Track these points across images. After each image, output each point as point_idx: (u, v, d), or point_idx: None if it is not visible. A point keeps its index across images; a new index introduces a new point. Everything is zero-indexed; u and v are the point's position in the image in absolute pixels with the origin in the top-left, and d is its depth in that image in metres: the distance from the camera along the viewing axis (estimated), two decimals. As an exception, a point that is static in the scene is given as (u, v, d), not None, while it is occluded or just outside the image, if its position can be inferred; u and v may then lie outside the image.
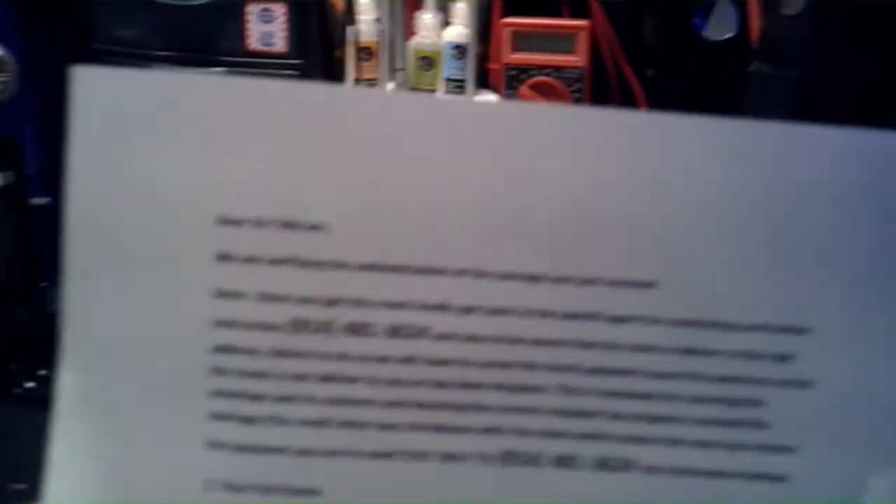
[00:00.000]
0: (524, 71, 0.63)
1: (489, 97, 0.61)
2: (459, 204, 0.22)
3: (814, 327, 0.22)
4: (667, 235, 0.22)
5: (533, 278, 0.22)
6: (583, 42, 0.63)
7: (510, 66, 0.63)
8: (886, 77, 0.63)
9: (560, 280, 0.22)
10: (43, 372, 0.53)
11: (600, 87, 0.64)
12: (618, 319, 0.22)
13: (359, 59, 0.60)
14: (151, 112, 0.21)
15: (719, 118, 0.23)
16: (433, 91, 0.58)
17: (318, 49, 0.56)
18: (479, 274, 0.22)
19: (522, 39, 0.63)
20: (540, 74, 0.63)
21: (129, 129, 0.21)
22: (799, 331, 0.22)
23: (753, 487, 0.22)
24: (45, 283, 0.62)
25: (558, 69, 0.63)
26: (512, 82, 0.63)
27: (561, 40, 0.63)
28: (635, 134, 0.22)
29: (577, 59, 0.63)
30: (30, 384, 0.53)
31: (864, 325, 0.23)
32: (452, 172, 0.22)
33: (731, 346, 0.22)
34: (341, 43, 0.60)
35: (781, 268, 0.22)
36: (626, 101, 0.63)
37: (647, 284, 0.22)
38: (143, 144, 0.21)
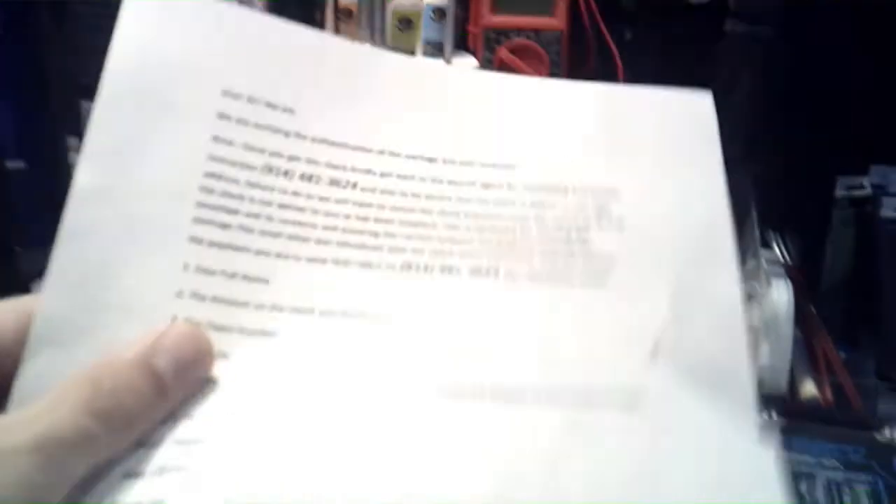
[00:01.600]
0: (503, 34, 0.63)
1: (467, 60, 0.60)
2: (384, 110, 0.32)
3: (622, 188, 0.32)
4: (523, 135, 0.33)
5: (430, 159, 0.32)
6: (561, 4, 0.63)
7: (489, 29, 0.63)
8: (858, 37, 0.64)
9: (448, 161, 0.32)
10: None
11: (579, 50, 0.65)
12: (487, 185, 0.32)
13: (337, 20, 0.60)
14: (184, 23, 0.30)
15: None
16: (411, 54, 0.58)
17: (297, 13, 0.55)
18: (393, 154, 0.32)
19: (501, 1, 0.63)
20: (519, 37, 0.63)
21: (176, 15, 0.30)
22: (612, 191, 0.32)
23: (584, 290, 0.30)
24: (18, 248, 0.62)
25: (537, 32, 0.63)
26: (491, 45, 0.63)
27: (540, 3, 0.63)
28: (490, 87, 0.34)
29: (555, 21, 0.63)
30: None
31: (655, 186, 0.33)
32: (381, 90, 0.33)
33: (567, 201, 0.32)
34: (321, 4, 0.59)
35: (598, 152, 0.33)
36: (605, 63, 0.64)
37: (509, 166, 0.33)
38: (173, 38, 0.30)
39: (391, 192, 0.31)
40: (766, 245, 0.65)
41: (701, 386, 0.29)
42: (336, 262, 0.30)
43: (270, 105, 0.31)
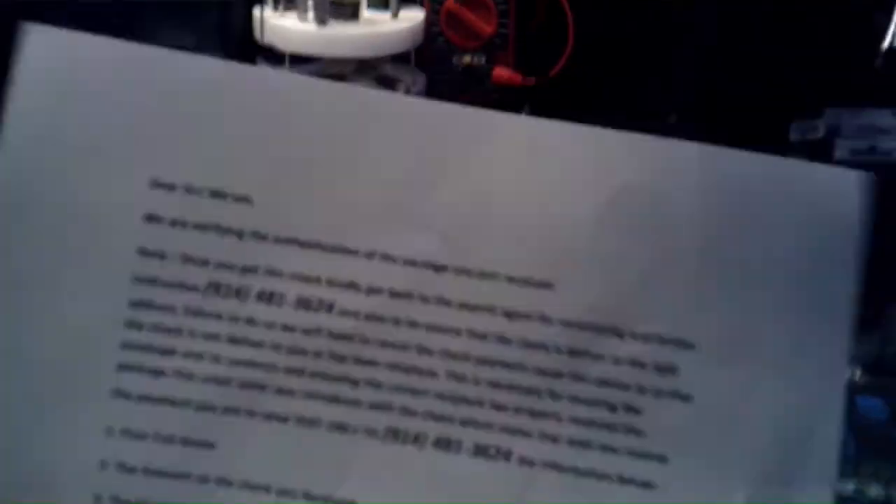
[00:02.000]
0: (450, -16, 0.61)
1: (414, 13, 0.59)
2: (373, 191, 0.24)
3: (698, 343, 0.23)
4: (564, 237, 0.24)
5: (436, 267, 0.24)
6: (509, -47, 0.61)
7: (435, -20, 0.61)
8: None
9: (460, 272, 0.24)
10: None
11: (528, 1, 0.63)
12: (512, 314, 0.24)
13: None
14: (97, 76, 0.23)
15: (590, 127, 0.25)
16: (355, 6, 0.57)
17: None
18: (387, 258, 0.24)
19: (447, -49, 0.61)
20: (466, -13, 0.61)
21: (73, 87, 0.22)
22: (684, 345, 0.23)
23: (623, 490, 0.23)
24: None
25: (485, -18, 0.62)
26: (437, -4, 0.61)
27: (486, -49, 0.61)
28: (521, 138, 0.24)
29: (503, -29, 0.61)
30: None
31: (746, 345, 0.23)
32: (367, 163, 0.24)
33: (617, 352, 0.23)
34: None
35: (671, 281, 0.23)
36: (553, 14, 0.62)
37: (544, 284, 0.24)
38: (85, 103, 0.22)
39: (380, 319, 0.24)
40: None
41: None
42: (301, 420, 0.24)
43: (217, 194, 0.23)
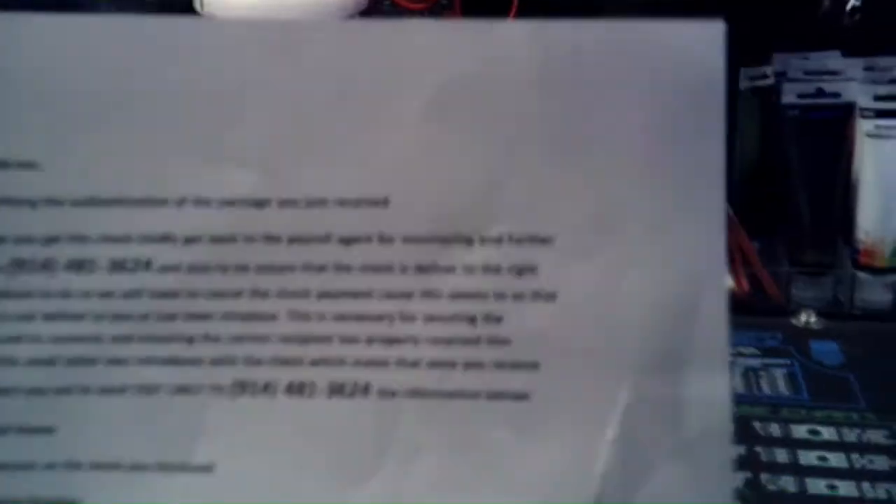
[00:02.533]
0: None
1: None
2: (174, 133, 0.22)
3: (555, 235, 0.21)
4: (392, 146, 0.21)
5: (258, 203, 0.21)
6: None
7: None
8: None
9: (285, 203, 0.21)
10: None
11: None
12: (348, 240, 0.22)
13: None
14: None
15: None
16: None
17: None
18: (201, 202, 0.21)
19: None
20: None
21: None
22: (540, 240, 0.21)
23: (496, 406, 0.21)
24: None
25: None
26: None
27: None
28: (334, 44, 0.21)
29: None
30: None
31: (609, 231, 0.21)
32: (162, 102, 0.21)
33: (469, 261, 0.21)
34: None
35: (517, 175, 0.21)
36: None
37: (378, 202, 0.21)
38: None
39: (205, 269, 0.22)
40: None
41: None
42: (140, 389, 0.22)
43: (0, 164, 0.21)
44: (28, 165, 0.21)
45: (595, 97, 0.21)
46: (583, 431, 0.21)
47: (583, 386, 0.21)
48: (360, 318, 0.22)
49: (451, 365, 0.21)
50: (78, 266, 0.22)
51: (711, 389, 0.21)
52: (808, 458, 0.41)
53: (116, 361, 0.22)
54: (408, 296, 0.22)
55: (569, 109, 0.21)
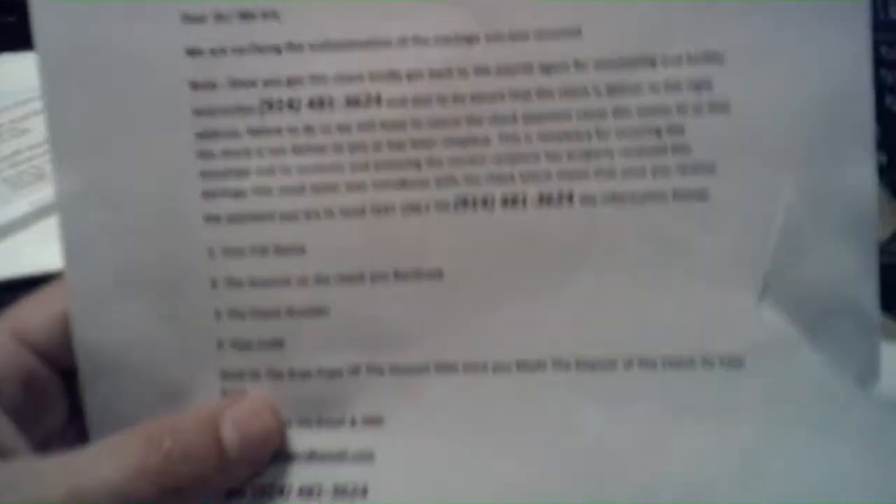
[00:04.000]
0: None
1: None
2: None
3: (726, 53, 0.24)
4: None
5: (468, 39, 0.24)
6: None
7: None
8: None
9: (492, 38, 0.24)
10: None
11: None
12: (548, 67, 0.24)
13: None
14: None
15: None
16: None
17: None
18: (419, 40, 0.24)
19: None
20: None
21: None
22: (714, 57, 0.24)
23: (680, 206, 0.25)
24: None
25: None
26: None
27: None
28: None
29: None
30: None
31: (773, 46, 0.24)
32: None
33: (653, 79, 0.24)
34: None
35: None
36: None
37: (572, 31, 0.24)
38: None
39: (426, 101, 0.25)
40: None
41: (818, 327, 0.24)
42: (376, 209, 0.25)
43: (245, 15, 0.24)
44: (268, 15, 0.24)
45: None
46: (753, 221, 0.25)
47: (752, 182, 0.25)
48: (562, 136, 0.25)
49: (641, 172, 0.25)
50: (318, 103, 0.24)
51: (860, 177, 0.24)
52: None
53: (354, 186, 0.25)
54: (602, 114, 0.24)
55: None
